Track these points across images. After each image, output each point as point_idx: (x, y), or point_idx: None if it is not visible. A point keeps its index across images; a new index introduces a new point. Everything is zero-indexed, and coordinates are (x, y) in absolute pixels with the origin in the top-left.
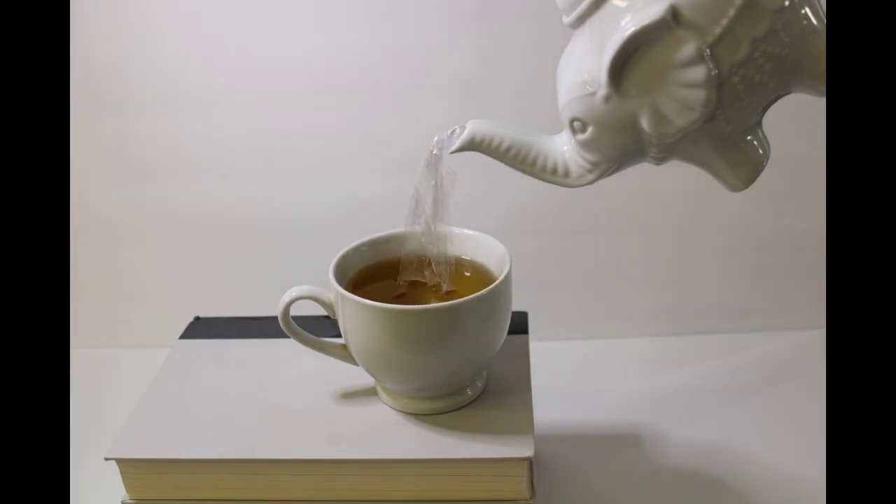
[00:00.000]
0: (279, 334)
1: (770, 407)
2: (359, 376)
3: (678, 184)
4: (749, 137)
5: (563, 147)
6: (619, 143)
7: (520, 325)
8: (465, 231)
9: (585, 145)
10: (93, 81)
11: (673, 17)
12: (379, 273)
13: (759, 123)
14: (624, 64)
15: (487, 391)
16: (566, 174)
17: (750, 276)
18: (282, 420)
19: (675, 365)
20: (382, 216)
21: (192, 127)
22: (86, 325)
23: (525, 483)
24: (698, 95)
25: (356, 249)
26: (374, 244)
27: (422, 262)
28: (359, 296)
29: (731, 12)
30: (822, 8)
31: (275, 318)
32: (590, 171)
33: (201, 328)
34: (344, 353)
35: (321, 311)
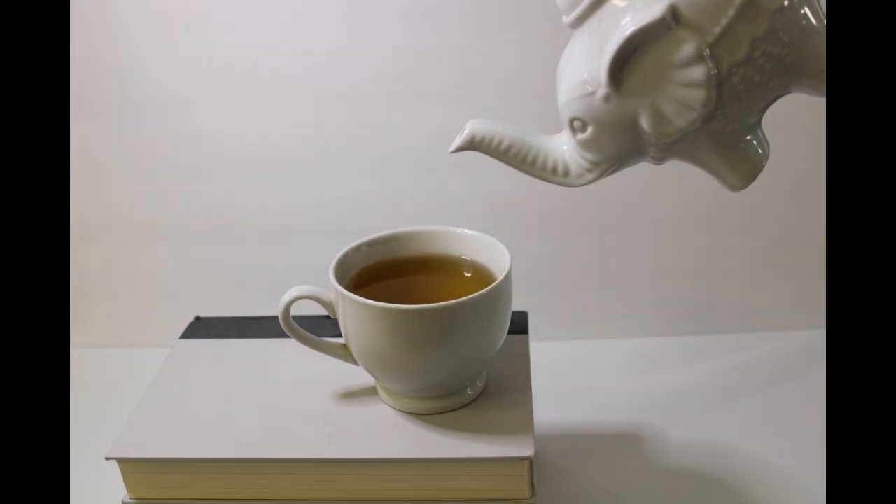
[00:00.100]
0: (279, 334)
1: (770, 407)
2: (359, 376)
3: (678, 184)
4: (748, 137)
5: (563, 146)
6: (618, 143)
7: (520, 325)
8: (466, 231)
9: (585, 145)
10: (92, 81)
11: (672, 17)
12: (379, 273)
13: (759, 123)
14: (624, 64)
15: (487, 391)
16: (566, 173)
17: (750, 276)
18: (282, 420)
19: (675, 365)
20: (382, 216)
21: (192, 127)
22: (86, 325)
23: (525, 483)
24: (698, 95)
25: (356, 249)
26: (374, 244)
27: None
28: (359, 296)
29: (731, 12)
30: (821, 8)
31: (275, 318)
32: (589, 171)
33: (201, 328)
34: (344, 353)
35: (321, 311)
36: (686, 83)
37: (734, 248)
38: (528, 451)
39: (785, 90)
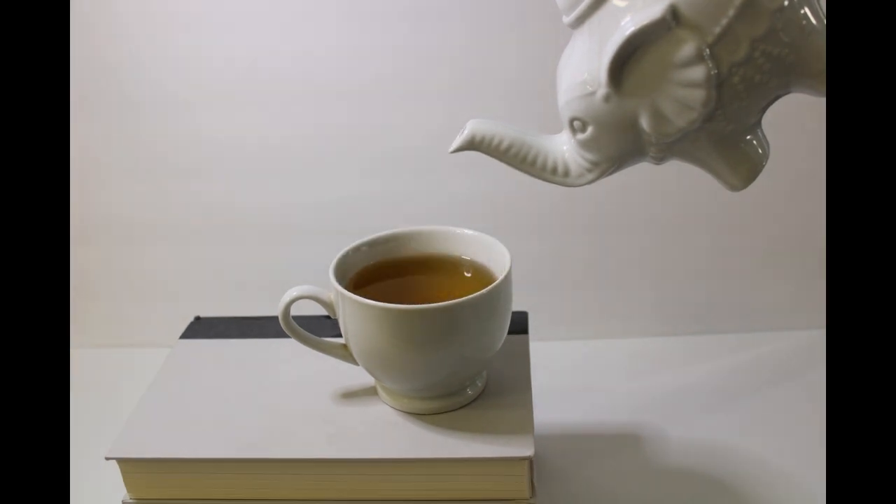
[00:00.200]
0: (279, 334)
1: (770, 407)
2: (359, 376)
3: (678, 184)
4: (748, 137)
5: (563, 146)
6: (618, 143)
7: (520, 325)
8: (465, 231)
9: (585, 145)
10: (92, 81)
11: (672, 17)
12: (379, 273)
13: (759, 123)
14: (623, 64)
15: (487, 391)
16: (566, 173)
17: (750, 276)
18: (282, 420)
19: (675, 365)
20: (382, 216)
21: (192, 127)
22: (86, 325)
23: (525, 483)
24: (698, 95)
25: (356, 249)
26: (374, 244)
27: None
28: (359, 296)
29: (731, 12)
30: (821, 8)
31: (275, 318)
32: (589, 171)
33: (201, 328)
34: (344, 353)
35: (321, 311)
36: (686, 83)
37: (734, 248)
38: (528, 451)
39: (785, 90)
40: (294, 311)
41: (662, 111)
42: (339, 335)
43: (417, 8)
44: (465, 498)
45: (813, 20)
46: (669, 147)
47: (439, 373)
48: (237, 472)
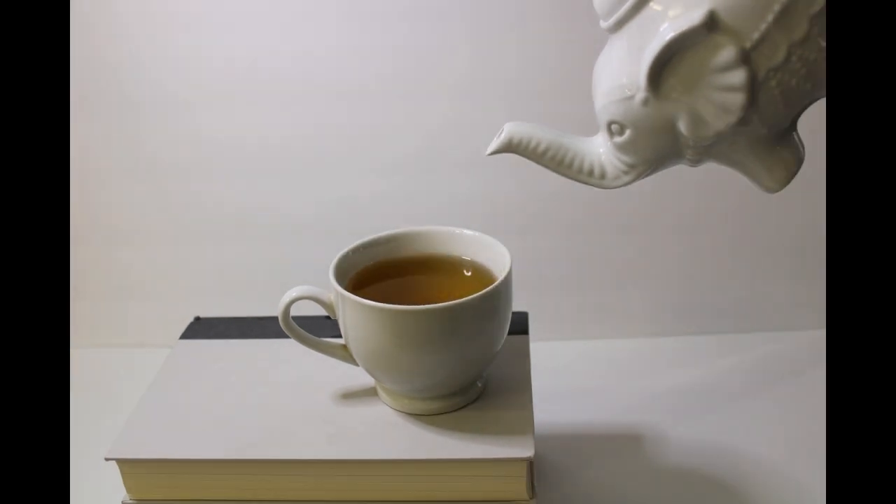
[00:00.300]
0: (279, 334)
1: (770, 407)
2: (359, 376)
3: (678, 184)
4: (784, 140)
5: (600, 149)
6: (656, 146)
7: (520, 325)
8: (465, 231)
9: (622, 147)
10: (92, 81)
11: (712, 23)
12: (379, 273)
13: (795, 126)
14: (662, 68)
15: (487, 391)
16: (602, 175)
17: (750, 276)
18: (282, 420)
19: (675, 365)
20: (382, 216)
21: (192, 127)
22: (86, 325)
23: (525, 483)
24: (736, 99)
25: (356, 249)
26: (374, 244)
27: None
28: (359, 296)
29: (770, 17)
30: None
31: (275, 318)
32: (626, 173)
33: (201, 328)
34: (344, 354)
35: (321, 311)
36: (725, 87)
37: (734, 249)
38: (527, 452)
39: (821, 94)
40: (294, 312)
41: (700, 114)
42: (339, 336)
43: (417, 8)
44: (464, 499)
45: None
46: (706, 150)
47: (439, 373)
48: (237, 473)
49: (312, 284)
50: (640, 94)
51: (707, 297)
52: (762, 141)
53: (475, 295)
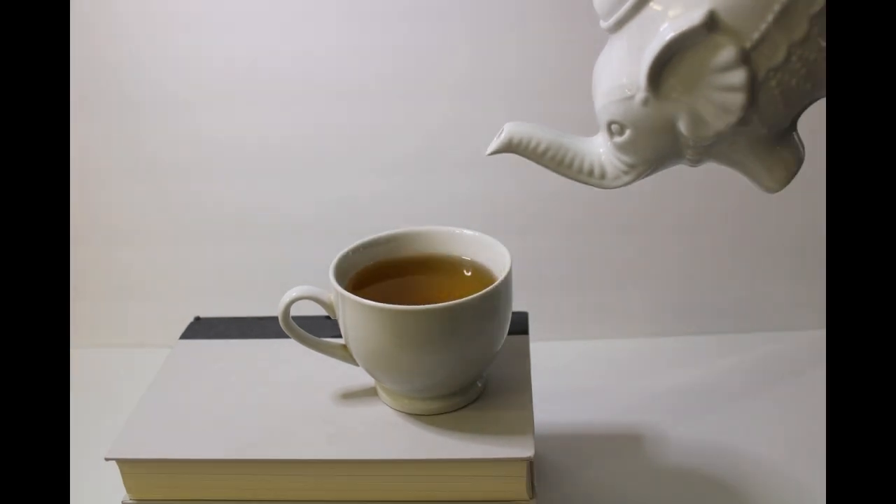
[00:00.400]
0: (279, 334)
1: (770, 407)
2: (359, 376)
3: (678, 184)
4: (784, 140)
5: (600, 149)
6: (656, 146)
7: (520, 325)
8: (465, 231)
9: (622, 147)
10: (92, 81)
11: (712, 23)
12: (379, 273)
13: (794, 126)
14: (662, 68)
15: (487, 391)
16: (602, 176)
17: (750, 276)
18: (281, 420)
19: (675, 365)
20: (382, 216)
21: (192, 127)
22: (86, 325)
23: (525, 483)
24: (736, 99)
25: (356, 249)
26: (374, 244)
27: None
28: (359, 296)
29: (770, 17)
30: None
31: (275, 318)
32: (626, 173)
33: (201, 328)
34: (344, 354)
35: (321, 311)
36: (725, 87)
37: (734, 249)
38: (527, 452)
39: (821, 94)
40: (294, 312)
41: (700, 114)
42: (339, 335)
43: (417, 8)
44: (464, 499)
45: None
46: (706, 150)
47: (439, 373)
48: (237, 473)
49: (312, 284)
50: (640, 94)
51: (707, 297)
52: (762, 141)
53: (475, 295)
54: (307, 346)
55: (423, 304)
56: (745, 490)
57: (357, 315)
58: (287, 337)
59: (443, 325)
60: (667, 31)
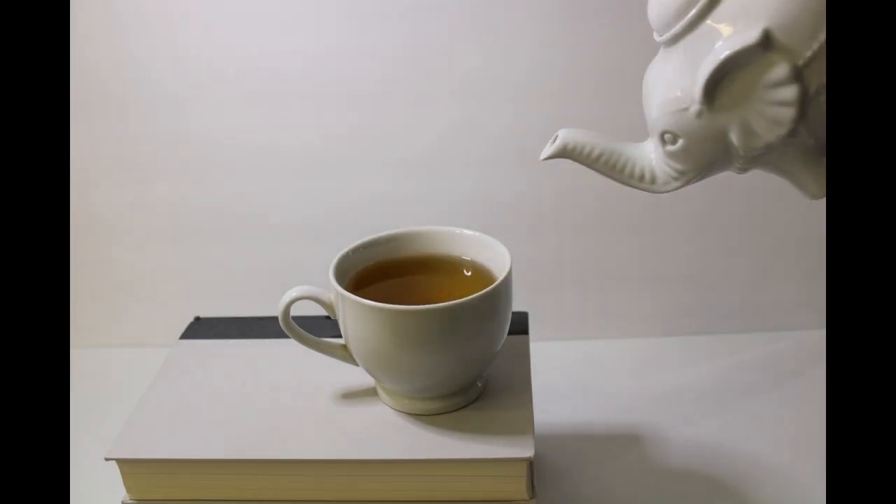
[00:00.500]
0: (279, 334)
1: (770, 407)
2: (359, 376)
3: None
4: None
5: (651, 155)
6: (707, 155)
7: (520, 325)
8: (465, 231)
9: (675, 155)
10: (92, 81)
11: (767, 42)
12: (379, 273)
13: None
14: (717, 84)
15: (487, 391)
16: (653, 181)
17: (750, 276)
18: (281, 420)
19: (675, 365)
20: (382, 216)
21: (192, 127)
22: (86, 325)
23: (525, 483)
24: (787, 113)
25: (356, 249)
26: (374, 244)
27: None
28: (359, 296)
29: (822, 36)
30: None
31: (275, 318)
32: (676, 179)
33: (201, 328)
34: (344, 354)
35: (321, 311)
36: (776, 102)
37: (734, 249)
38: (527, 452)
39: None
40: (294, 312)
41: (752, 127)
42: (339, 335)
43: (417, 8)
44: (464, 499)
45: None
46: (755, 159)
47: (439, 373)
48: (237, 473)
49: (312, 284)
50: (695, 107)
51: (707, 298)
52: (810, 151)
53: (475, 295)
54: (307, 346)
55: (423, 304)
56: (745, 490)
57: (357, 315)
58: (287, 337)
59: (443, 325)
60: (722, 49)
